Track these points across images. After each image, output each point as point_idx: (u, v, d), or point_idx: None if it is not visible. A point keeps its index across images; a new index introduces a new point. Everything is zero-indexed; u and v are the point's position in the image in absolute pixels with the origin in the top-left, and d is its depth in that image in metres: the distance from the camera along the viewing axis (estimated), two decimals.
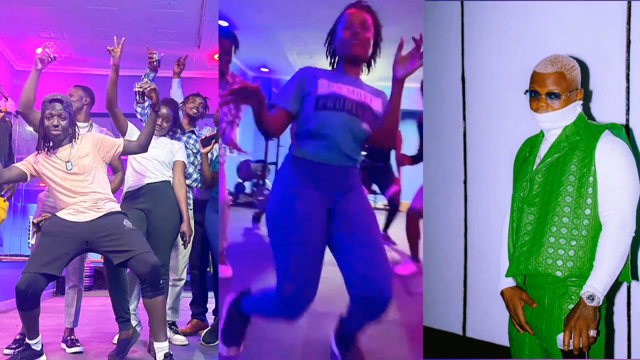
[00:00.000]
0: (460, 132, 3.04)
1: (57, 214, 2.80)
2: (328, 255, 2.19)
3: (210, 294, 3.88)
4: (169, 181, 3.39)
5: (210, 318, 3.86)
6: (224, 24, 5.71)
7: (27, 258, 2.97)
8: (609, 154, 1.80)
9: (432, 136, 3.19)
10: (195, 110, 3.76)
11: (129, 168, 3.38)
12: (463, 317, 3.02)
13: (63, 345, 3.31)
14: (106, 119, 3.43)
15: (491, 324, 2.79)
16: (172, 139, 3.48)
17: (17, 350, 3.08)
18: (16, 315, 2.78)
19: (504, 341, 2.11)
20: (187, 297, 3.87)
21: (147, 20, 5.21)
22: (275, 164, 8.71)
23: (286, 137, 3.49)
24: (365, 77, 2.37)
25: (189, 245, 3.46)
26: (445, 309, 3.09)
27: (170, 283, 3.52)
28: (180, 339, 3.51)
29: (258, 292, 2.41)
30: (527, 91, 1.92)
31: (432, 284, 3.14)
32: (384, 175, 5.31)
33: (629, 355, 2.35)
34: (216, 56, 6.12)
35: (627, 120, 2.37)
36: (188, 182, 3.56)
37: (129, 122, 3.34)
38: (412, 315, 3.11)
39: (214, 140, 3.56)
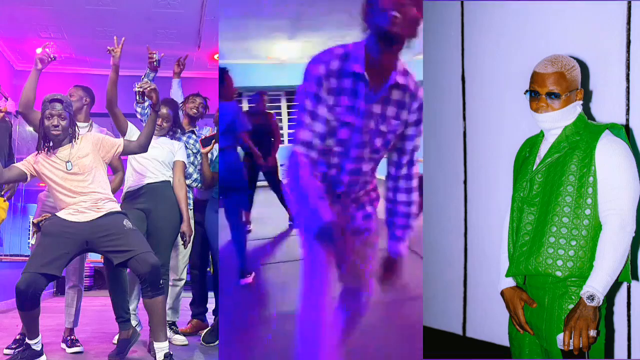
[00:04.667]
0: (460, 132, 3.04)
1: (57, 214, 2.80)
2: None
3: (210, 294, 3.88)
4: (169, 181, 3.39)
5: (210, 318, 3.86)
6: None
7: (27, 258, 2.97)
8: (609, 154, 1.80)
9: (432, 136, 3.18)
10: (195, 110, 3.76)
11: (129, 168, 3.38)
12: (463, 317, 3.02)
13: (63, 345, 3.31)
14: (106, 119, 3.43)
15: (491, 324, 2.79)
16: (172, 139, 3.48)
17: (17, 350, 3.08)
18: (16, 315, 2.78)
19: (504, 341, 2.11)
20: (187, 297, 3.87)
21: (147, 20, 5.21)
22: None
23: None
24: None
25: (189, 245, 3.46)
26: (445, 309, 3.08)
27: (170, 283, 3.52)
28: (180, 339, 3.51)
29: None
30: (527, 91, 1.92)
31: (432, 284, 3.14)
32: None
33: (629, 355, 2.35)
34: (216, 56, 6.13)
35: (627, 120, 2.37)
36: (188, 182, 3.56)
37: (129, 122, 3.34)
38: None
39: (214, 140, 3.56)
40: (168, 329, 3.32)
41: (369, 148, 1.94)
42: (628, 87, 2.37)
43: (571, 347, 1.75)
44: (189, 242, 3.41)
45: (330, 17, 6.11)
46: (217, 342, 3.40)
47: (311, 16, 5.89)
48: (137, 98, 2.99)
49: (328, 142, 1.88)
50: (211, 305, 3.87)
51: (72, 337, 3.32)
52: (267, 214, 5.73)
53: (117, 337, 3.21)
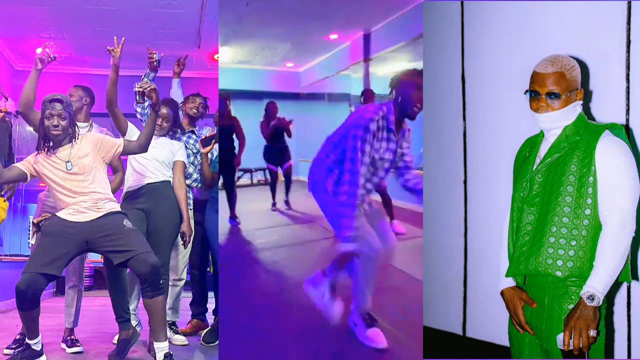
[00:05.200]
0: (460, 132, 3.04)
1: (57, 214, 2.80)
2: None
3: (210, 294, 3.88)
4: (169, 181, 3.39)
5: (210, 318, 3.86)
6: None
7: (27, 258, 2.97)
8: (609, 154, 1.80)
9: (432, 136, 3.18)
10: (195, 110, 3.75)
11: (129, 168, 3.38)
12: (463, 317, 3.02)
13: (63, 345, 3.31)
14: (106, 119, 3.43)
15: (491, 324, 2.79)
16: (172, 139, 3.48)
17: (17, 350, 3.08)
18: (16, 315, 2.78)
19: (504, 341, 2.11)
20: (187, 297, 3.87)
21: (147, 20, 5.21)
22: None
23: None
24: None
25: (189, 245, 3.46)
26: (445, 309, 3.09)
27: (170, 283, 3.52)
28: (180, 339, 3.51)
29: None
30: (527, 91, 1.92)
31: (432, 284, 3.14)
32: (284, 153, 6.80)
33: (629, 355, 2.35)
34: (216, 56, 6.13)
35: (627, 120, 2.37)
36: (188, 182, 3.56)
37: (129, 122, 3.34)
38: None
39: (214, 140, 3.56)
40: (168, 329, 3.32)
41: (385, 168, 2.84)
42: (628, 87, 2.37)
43: (571, 347, 1.75)
44: (189, 242, 3.41)
45: (262, 29, 6.34)
46: (217, 342, 3.40)
47: (244, 25, 5.98)
48: (137, 98, 2.99)
49: (370, 169, 2.72)
50: (211, 305, 3.87)
51: (72, 337, 3.32)
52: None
53: (117, 337, 3.21)
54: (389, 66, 6.86)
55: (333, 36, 6.80)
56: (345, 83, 7.67)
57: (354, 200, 2.60)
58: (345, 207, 2.61)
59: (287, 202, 6.85)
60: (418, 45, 5.83)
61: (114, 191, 3.12)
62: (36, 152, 2.82)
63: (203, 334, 3.59)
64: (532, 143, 2.00)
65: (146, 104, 3.37)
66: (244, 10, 5.25)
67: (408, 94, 2.67)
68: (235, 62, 7.94)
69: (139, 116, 3.58)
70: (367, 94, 5.88)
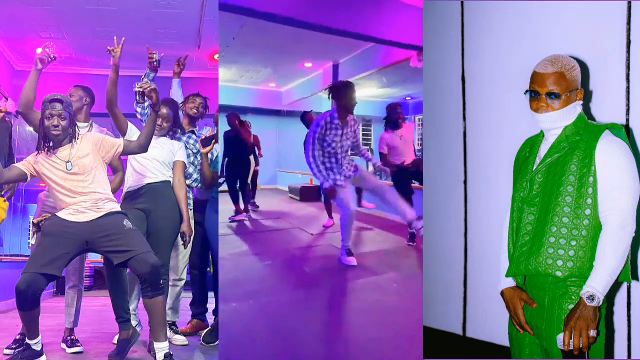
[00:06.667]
0: (460, 132, 3.04)
1: (57, 214, 2.80)
2: None
3: (210, 294, 3.88)
4: (169, 181, 3.39)
5: (210, 318, 3.86)
6: None
7: (27, 258, 2.97)
8: (609, 154, 1.80)
9: (432, 136, 3.19)
10: (195, 110, 3.75)
11: (129, 168, 3.38)
12: (463, 317, 3.02)
13: (63, 345, 3.31)
14: (106, 119, 3.43)
15: (491, 324, 2.79)
16: (172, 139, 3.48)
17: (17, 350, 3.08)
18: (16, 315, 2.78)
19: (504, 341, 2.11)
20: (187, 297, 3.87)
21: (147, 20, 5.21)
22: None
23: None
24: None
25: (189, 245, 3.46)
26: (445, 309, 3.09)
27: (170, 283, 3.52)
28: (180, 339, 3.51)
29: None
30: (527, 91, 1.92)
31: (432, 284, 3.14)
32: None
33: (629, 355, 2.35)
34: (216, 56, 6.14)
35: (627, 120, 2.38)
36: (188, 182, 3.56)
37: (129, 122, 3.34)
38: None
39: (214, 140, 3.56)
40: (168, 329, 3.32)
41: (345, 149, 4.37)
42: (628, 87, 2.37)
43: (571, 347, 1.75)
44: (189, 242, 3.41)
45: (245, 56, 7.57)
46: (217, 342, 3.40)
47: (230, 52, 7.08)
48: (137, 98, 2.99)
49: (327, 149, 4.26)
50: (211, 305, 3.87)
51: (72, 337, 3.32)
52: None
53: (117, 337, 3.21)
54: (356, 91, 7.97)
55: (307, 64, 8.26)
56: (318, 103, 9.32)
57: (315, 171, 4.18)
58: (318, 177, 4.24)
59: (253, 204, 7.62)
60: (375, 76, 7.65)
61: (114, 191, 3.11)
62: (36, 152, 2.82)
63: (203, 334, 3.59)
64: (532, 143, 2.00)
65: (146, 104, 3.37)
66: (230, 40, 6.40)
67: (343, 98, 4.20)
68: (223, 82, 9.04)
69: (139, 116, 3.58)
70: (305, 115, 6.66)
